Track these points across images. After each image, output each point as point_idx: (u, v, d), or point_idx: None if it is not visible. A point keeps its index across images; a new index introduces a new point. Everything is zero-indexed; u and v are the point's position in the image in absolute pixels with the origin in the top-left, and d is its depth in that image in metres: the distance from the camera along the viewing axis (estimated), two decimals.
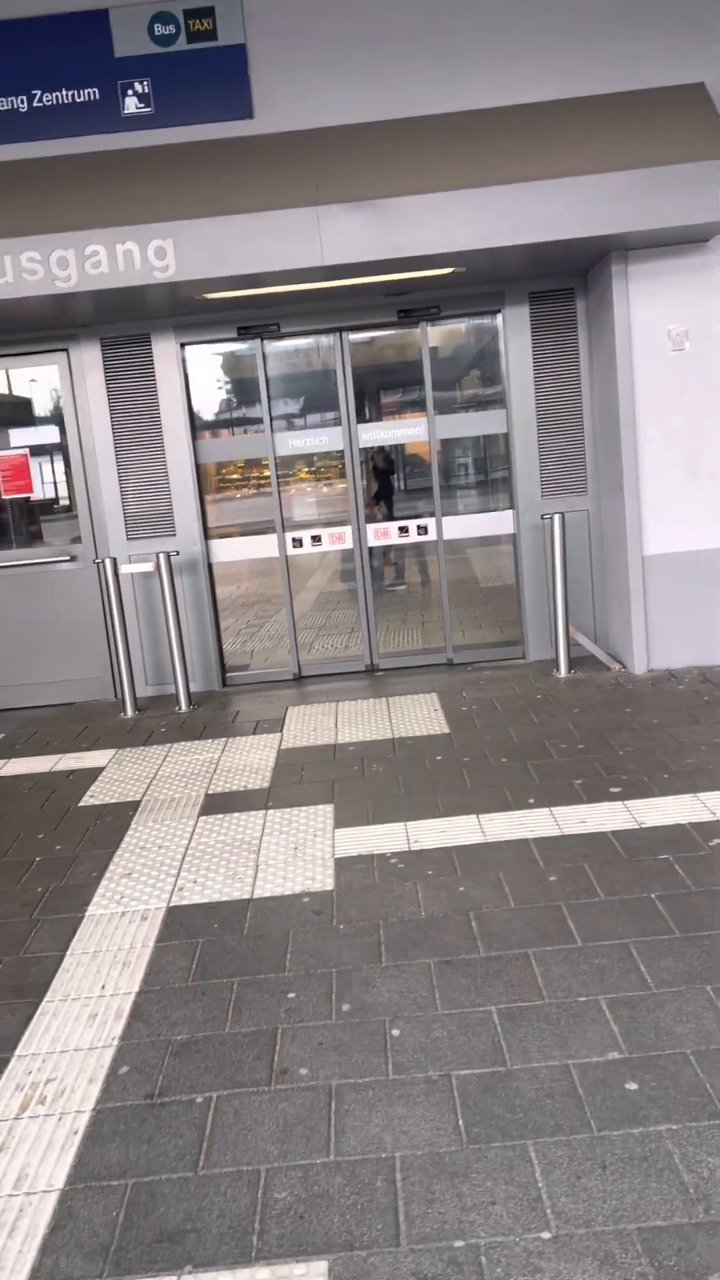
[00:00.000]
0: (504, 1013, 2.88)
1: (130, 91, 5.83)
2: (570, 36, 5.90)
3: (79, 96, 5.84)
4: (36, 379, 6.92)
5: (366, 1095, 2.57)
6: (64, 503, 7.07)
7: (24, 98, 5.84)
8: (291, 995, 3.08)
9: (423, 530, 7.11)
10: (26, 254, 5.52)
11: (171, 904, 3.78)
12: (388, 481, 7.18)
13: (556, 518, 6.44)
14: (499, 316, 6.77)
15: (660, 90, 5.85)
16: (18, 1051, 2.91)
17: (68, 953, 3.48)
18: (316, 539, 7.15)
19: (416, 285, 6.42)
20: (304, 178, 5.62)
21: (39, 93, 5.84)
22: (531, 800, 4.48)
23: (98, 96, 5.84)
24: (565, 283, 6.67)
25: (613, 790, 4.51)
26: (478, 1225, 2.11)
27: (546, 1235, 2.07)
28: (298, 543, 7.15)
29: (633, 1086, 2.51)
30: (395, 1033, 2.83)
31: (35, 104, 5.84)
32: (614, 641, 6.84)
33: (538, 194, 5.49)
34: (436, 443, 6.96)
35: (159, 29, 5.76)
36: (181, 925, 3.60)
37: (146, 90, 5.83)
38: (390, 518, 7.18)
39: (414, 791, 4.73)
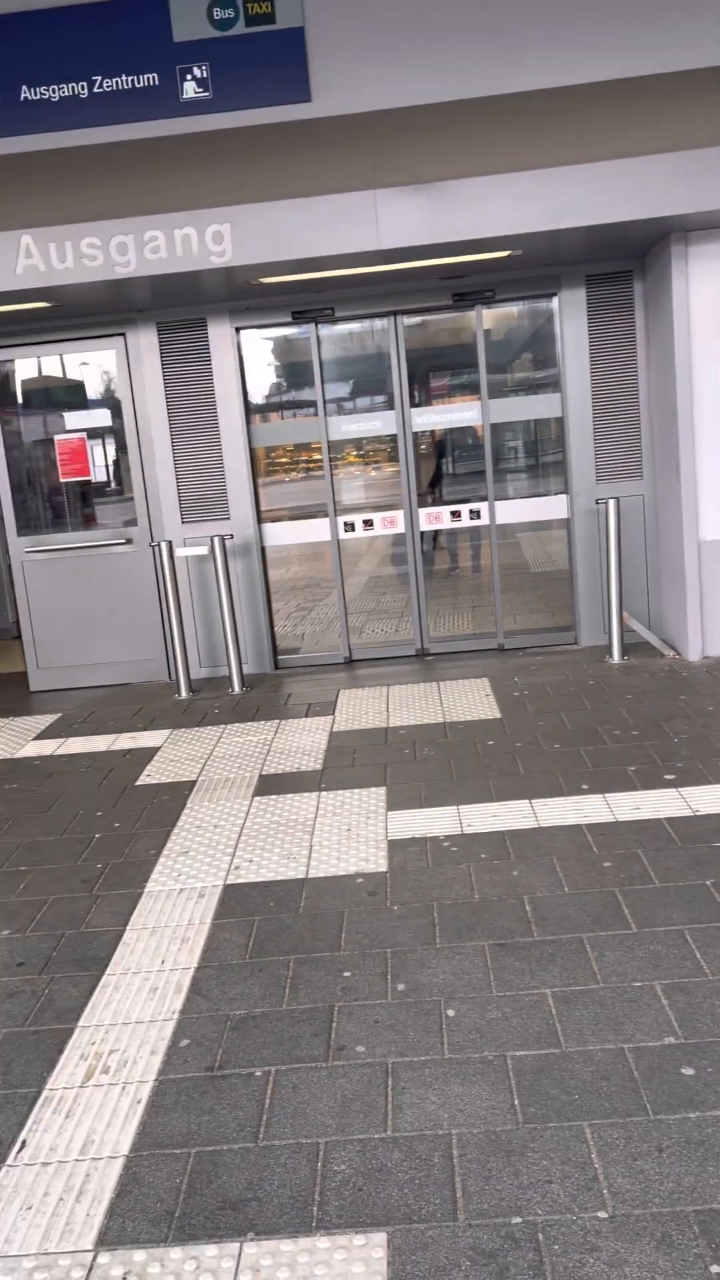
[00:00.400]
0: (558, 996, 2.90)
1: (189, 76, 5.85)
2: (630, 14, 5.80)
3: (138, 82, 5.87)
4: (93, 363, 7.00)
5: (423, 1073, 2.61)
6: (120, 486, 7.16)
7: (84, 84, 5.88)
8: (347, 974, 3.12)
9: (475, 515, 7.10)
10: (86, 240, 5.58)
11: (228, 882, 3.84)
12: (438, 466, 7.17)
13: (611, 502, 6.39)
14: (555, 299, 6.72)
15: None
16: (81, 1022, 2.99)
17: (128, 928, 3.56)
18: (368, 523, 7.17)
19: (472, 268, 6.39)
20: (361, 161, 5.61)
21: (99, 79, 5.88)
22: (585, 786, 4.47)
23: (156, 81, 5.87)
24: (623, 265, 6.60)
25: (667, 777, 4.49)
26: (535, 1203, 2.14)
27: (603, 1215, 2.10)
28: (349, 526, 7.17)
29: (689, 1072, 2.52)
30: (450, 1013, 2.86)
31: (95, 90, 5.89)
32: (668, 627, 6.79)
33: (597, 175, 5.44)
34: (489, 427, 6.94)
35: (218, 13, 5.77)
36: (238, 903, 3.66)
37: (205, 75, 5.85)
38: (440, 502, 7.18)
39: (466, 775, 4.75)
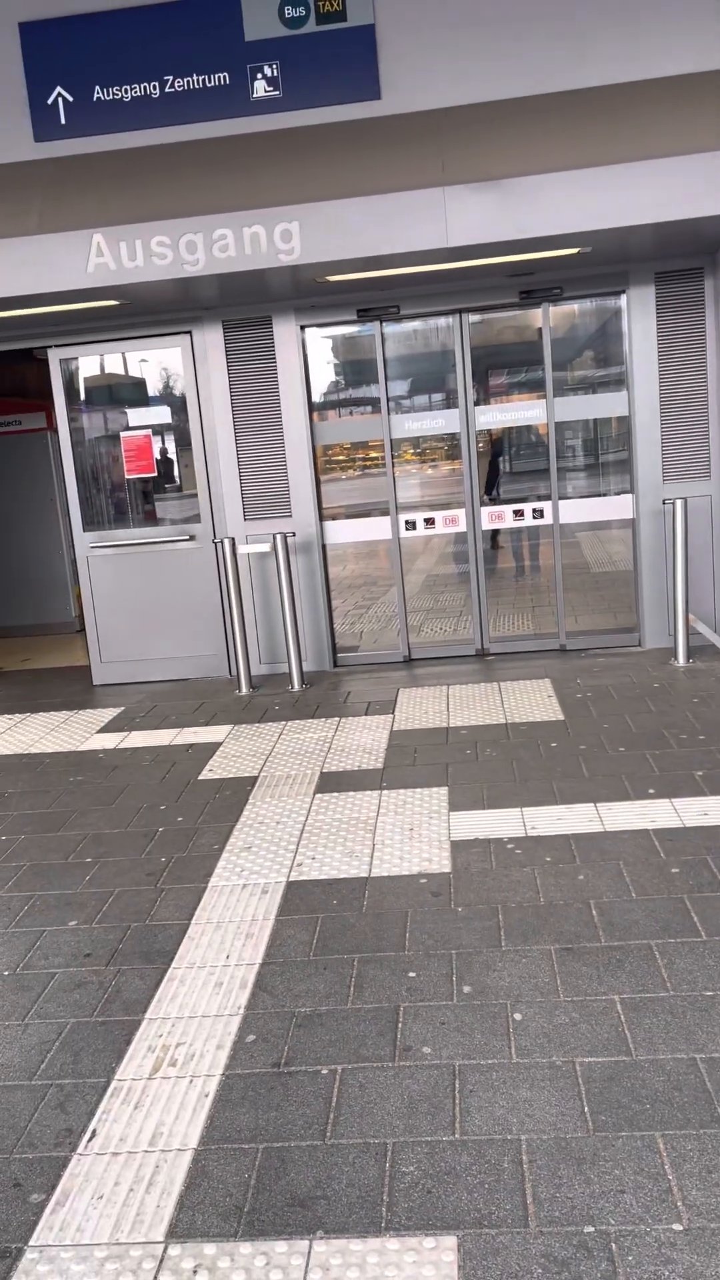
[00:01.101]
0: (627, 1002, 2.86)
1: (260, 75, 5.88)
2: (703, 6, 5.71)
3: (209, 81, 5.91)
4: (159, 361, 7.06)
5: (490, 1077, 2.59)
6: (182, 483, 7.22)
7: (156, 83, 5.94)
8: (412, 974, 3.11)
9: (538, 514, 7.04)
10: (156, 238, 5.63)
11: (291, 879, 3.85)
12: (497, 465, 7.12)
13: (679, 503, 6.30)
14: (623, 297, 6.63)
15: None
16: (148, 1015, 3.02)
17: (192, 922, 3.58)
18: (430, 521, 7.14)
19: (540, 266, 6.34)
20: (430, 158, 5.59)
21: (170, 78, 5.93)
22: (651, 790, 4.41)
23: (227, 81, 5.90)
24: (694, 262, 6.49)
25: None
26: (607, 1212, 2.11)
27: (678, 1227, 2.06)
28: (410, 525, 7.16)
29: None
30: (517, 1016, 2.84)
31: (167, 89, 5.94)
32: None
33: (668, 171, 5.35)
34: (554, 426, 6.87)
35: (289, 11, 5.79)
36: (301, 900, 3.67)
37: (275, 74, 5.87)
38: (501, 501, 7.13)
39: (529, 777, 4.71)
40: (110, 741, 5.89)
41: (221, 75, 5.89)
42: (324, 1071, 2.67)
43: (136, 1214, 2.22)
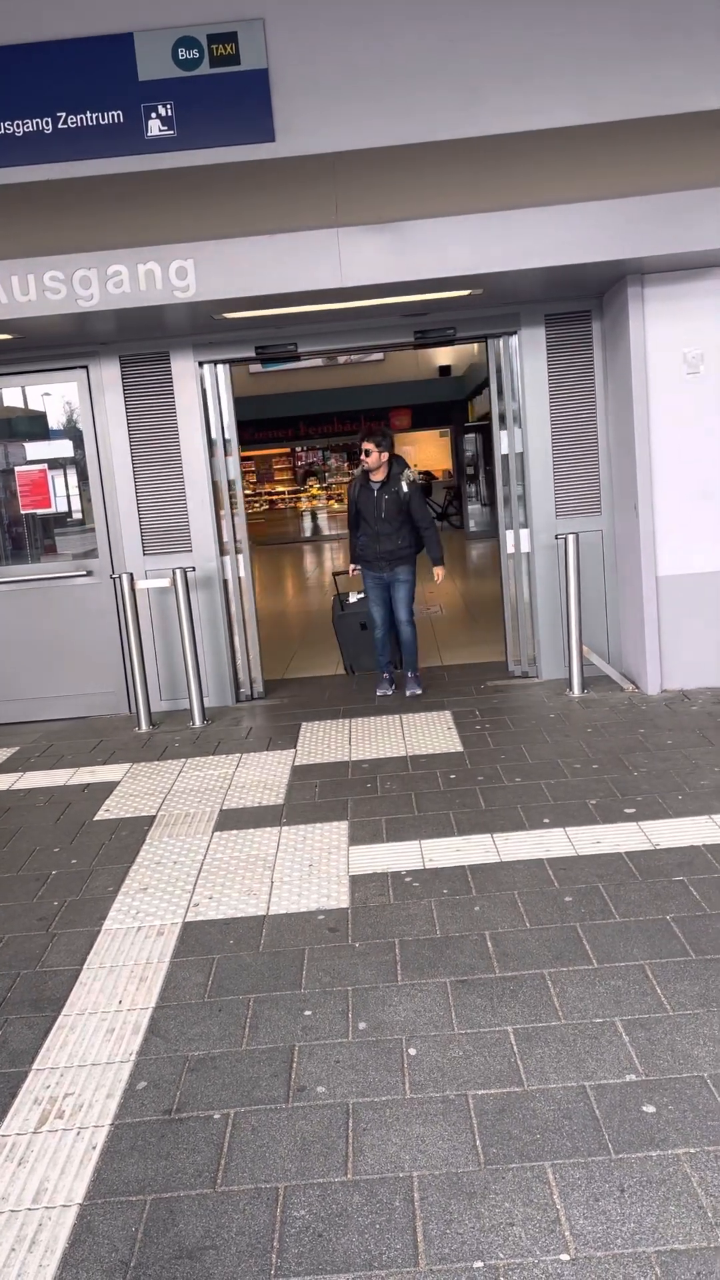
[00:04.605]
0: (520, 1033, 2.89)
1: (153, 114, 5.90)
2: (589, 63, 5.95)
3: (103, 119, 5.91)
4: (56, 395, 6.98)
5: (384, 1114, 2.58)
6: (81, 518, 7.13)
7: (48, 119, 5.91)
8: (308, 1013, 3.09)
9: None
10: (49, 273, 5.58)
11: (187, 919, 3.80)
12: None
13: (571, 538, 6.46)
14: (515, 338, 6.81)
15: (677, 117, 5.90)
16: (35, 1065, 2.93)
17: (84, 967, 3.50)
18: None
19: (433, 306, 6.48)
20: (324, 200, 5.68)
21: (63, 114, 5.91)
22: (546, 820, 4.49)
23: (121, 119, 5.91)
24: (581, 305, 6.71)
25: (627, 811, 4.52)
26: (496, 1246, 2.12)
27: (565, 1257, 2.08)
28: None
29: (650, 1109, 2.51)
30: (412, 1051, 2.84)
31: (59, 126, 5.92)
32: (627, 662, 6.85)
33: (555, 218, 5.54)
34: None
35: (182, 53, 5.84)
36: (197, 941, 3.62)
37: (169, 113, 5.90)
38: None
39: (428, 810, 4.74)
40: (3, 783, 5.73)
41: (115, 113, 5.90)
42: (216, 1116, 2.63)
43: (18, 1275, 2.14)
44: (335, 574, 8.69)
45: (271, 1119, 2.60)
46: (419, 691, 6.93)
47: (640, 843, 4.15)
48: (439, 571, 6.88)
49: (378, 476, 6.62)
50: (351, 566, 7.11)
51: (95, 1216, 2.30)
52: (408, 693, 6.95)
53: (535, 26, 5.94)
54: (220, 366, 6.90)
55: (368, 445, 6.56)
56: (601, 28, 5.93)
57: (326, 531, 23.89)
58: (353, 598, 7.89)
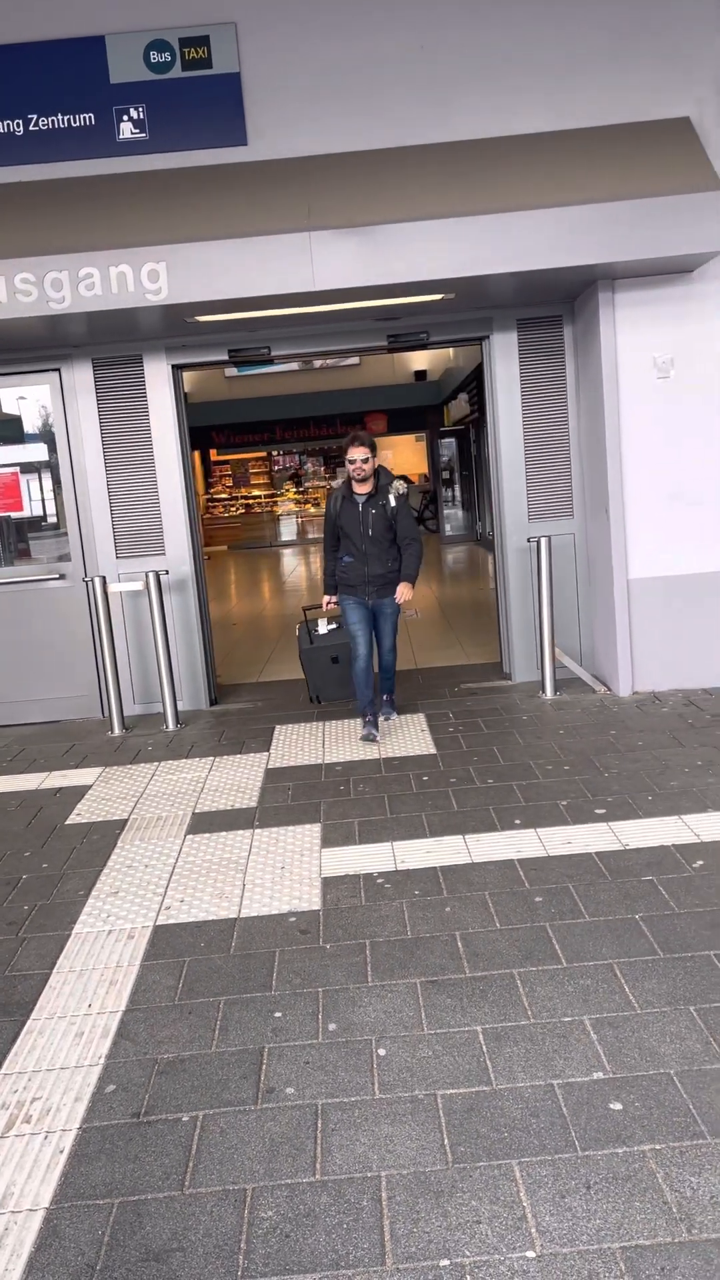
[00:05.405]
0: (489, 1033, 2.90)
1: (125, 117, 5.90)
2: (560, 70, 6.01)
3: (75, 121, 5.90)
4: (27, 397, 6.95)
5: (352, 1115, 2.58)
6: (54, 521, 7.10)
7: (20, 121, 5.90)
8: (278, 1014, 3.09)
9: None
10: (20, 275, 5.56)
11: (158, 923, 3.78)
12: None
13: (543, 540, 6.50)
14: (487, 342, 6.84)
15: (647, 124, 5.96)
16: (3, 1070, 2.91)
17: (54, 971, 3.48)
18: None
19: (406, 311, 6.50)
20: (297, 204, 5.69)
21: (35, 116, 5.90)
22: (518, 821, 4.50)
23: (93, 121, 5.91)
24: (553, 310, 6.76)
25: (597, 811, 4.54)
26: (463, 1244, 2.13)
27: (531, 1254, 2.09)
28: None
29: (617, 1106, 2.53)
30: (381, 1052, 2.84)
31: (31, 128, 5.91)
32: (599, 664, 6.90)
33: (526, 223, 5.57)
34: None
35: (154, 56, 5.84)
36: (168, 944, 3.61)
37: (141, 116, 5.90)
38: None
39: (401, 812, 4.75)
40: None
41: (87, 116, 5.89)
42: (185, 1119, 2.62)
43: None
44: (306, 608, 7.71)
45: (240, 1121, 2.59)
46: (394, 715, 6.33)
47: (610, 843, 4.17)
48: (404, 588, 5.85)
49: (364, 489, 5.77)
50: (327, 599, 6.10)
51: (62, 1220, 2.29)
52: (382, 718, 6.29)
53: (506, 33, 5.99)
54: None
55: (360, 451, 5.66)
56: (572, 35, 5.98)
57: (299, 537, 23.91)
58: (322, 627, 7.04)
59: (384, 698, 6.40)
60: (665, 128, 5.92)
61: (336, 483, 5.95)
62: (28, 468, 7.05)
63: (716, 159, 6.07)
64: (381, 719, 6.29)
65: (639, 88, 6.02)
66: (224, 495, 25.54)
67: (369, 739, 5.91)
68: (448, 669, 7.78)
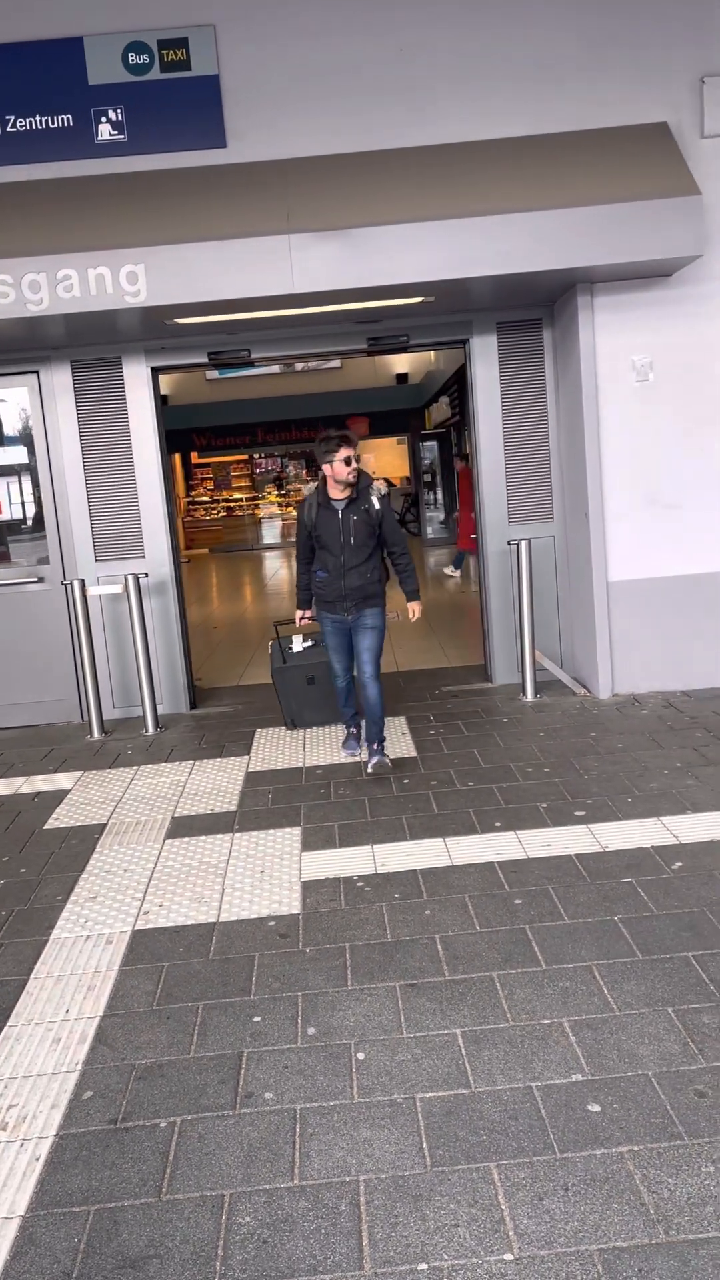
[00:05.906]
0: (468, 1035, 2.90)
1: (104, 119, 5.88)
2: (538, 75, 6.03)
3: (53, 122, 5.88)
4: (6, 399, 6.91)
5: (331, 1119, 2.57)
6: (32, 524, 7.05)
7: None
8: (257, 1019, 3.08)
9: None
10: None
11: (137, 928, 3.76)
12: None
13: (524, 543, 6.51)
14: (468, 345, 6.86)
15: (625, 129, 5.99)
16: None
17: (31, 976, 3.45)
18: None
19: (387, 314, 6.50)
20: (276, 207, 5.69)
21: (12, 118, 5.87)
22: (498, 824, 4.51)
23: (71, 123, 5.88)
24: (532, 313, 6.78)
25: (577, 814, 4.55)
26: (441, 1248, 2.12)
27: (509, 1257, 2.09)
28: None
29: (595, 1108, 2.53)
30: (360, 1056, 2.84)
31: (9, 129, 5.88)
32: (579, 666, 6.91)
33: (505, 226, 5.59)
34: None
35: (133, 58, 5.82)
36: (147, 949, 3.59)
37: (120, 118, 5.88)
38: None
39: (381, 815, 4.74)
40: None
41: (65, 117, 5.87)
42: (162, 1125, 2.61)
43: None
44: (277, 624, 7.12)
45: (218, 1126, 2.58)
46: (387, 762, 5.32)
47: (590, 845, 4.18)
48: (415, 607, 5.46)
49: (343, 494, 5.26)
50: (300, 614, 5.66)
51: (38, 1228, 2.27)
52: (371, 763, 5.31)
53: (484, 39, 6.00)
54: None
55: (349, 453, 5.16)
56: (548, 41, 6.00)
57: (281, 540, 23.89)
58: (296, 644, 6.64)
59: (371, 746, 5.38)
60: (643, 132, 5.95)
61: (310, 488, 5.63)
62: (6, 470, 7.00)
63: (694, 164, 6.10)
64: (371, 765, 5.32)
65: (617, 93, 6.05)
66: (205, 498, 25.48)
67: (351, 752, 5.75)
68: (429, 671, 7.78)
